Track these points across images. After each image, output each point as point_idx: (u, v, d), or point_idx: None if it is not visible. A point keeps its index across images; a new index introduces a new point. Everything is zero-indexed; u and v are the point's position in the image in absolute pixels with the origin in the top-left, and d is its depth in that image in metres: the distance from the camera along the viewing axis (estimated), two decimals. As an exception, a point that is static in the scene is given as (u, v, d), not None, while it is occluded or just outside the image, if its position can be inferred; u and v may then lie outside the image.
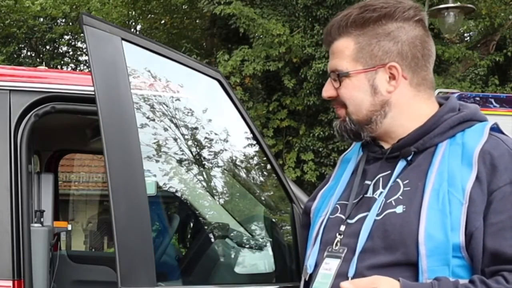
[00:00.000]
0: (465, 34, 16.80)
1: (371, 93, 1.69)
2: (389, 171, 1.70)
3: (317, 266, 1.73)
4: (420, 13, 1.72)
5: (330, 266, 1.68)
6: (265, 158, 2.70)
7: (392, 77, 1.69)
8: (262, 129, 11.98)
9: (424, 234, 1.55)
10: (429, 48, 1.73)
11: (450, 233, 1.55)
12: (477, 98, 7.84)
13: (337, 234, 1.70)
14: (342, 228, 1.70)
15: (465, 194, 1.56)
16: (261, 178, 3.11)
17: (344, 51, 1.71)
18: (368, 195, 1.71)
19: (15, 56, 20.09)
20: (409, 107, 1.70)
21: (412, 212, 1.59)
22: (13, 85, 2.49)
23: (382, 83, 1.69)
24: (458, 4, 9.75)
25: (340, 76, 1.70)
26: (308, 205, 1.93)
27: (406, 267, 1.58)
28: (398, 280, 1.54)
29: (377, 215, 1.64)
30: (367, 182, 1.74)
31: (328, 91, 1.75)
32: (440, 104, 1.75)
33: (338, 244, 1.69)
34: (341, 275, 1.64)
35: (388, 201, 1.64)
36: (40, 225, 3.30)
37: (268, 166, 2.74)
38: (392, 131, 1.72)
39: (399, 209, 1.61)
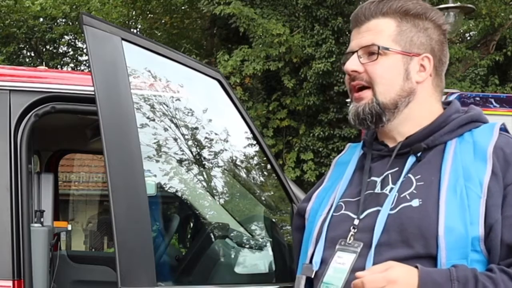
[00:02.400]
0: (465, 34, 16.81)
1: (404, 77, 1.72)
2: (397, 168, 1.71)
3: (324, 263, 1.72)
4: (447, 24, 1.80)
5: (344, 260, 1.67)
6: (265, 158, 2.70)
7: (422, 68, 1.73)
8: (262, 129, 11.98)
9: (444, 227, 1.56)
10: (448, 57, 1.82)
11: (470, 226, 1.56)
12: (477, 98, 7.85)
13: (351, 228, 1.70)
14: (356, 222, 1.70)
15: (483, 187, 1.58)
16: (261, 178, 3.11)
17: (385, 30, 1.73)
18: (376, 191, 1.72)
19: (15, 56, 20.09)
20: (426, 103, 1.74)
21: (430, 206, 1.60)
22: (13, 85, 2.50)
23: (413, 71, 1.72)
24: (458, 4, 9.75)
25: (380, 50, 1.71)
26: (302, 207, 1.91)
27: (425, 260, 1.58)
28: (416, 267, 1.54)
29: (391, 209, 1.64)
30: (374, 178, 1.74)
31: (354, 65, 1.73)
32: (444, 109, 1.80)
33: (352, 238, 1.69)
34: (357, 269, 1.62)
35: (401, 196, 1.65)
36: (40, 225, 3.30)
37: (268, 166, 2.74)
38: (403, 124, 1.74)
39: (415, 202, 1.62)
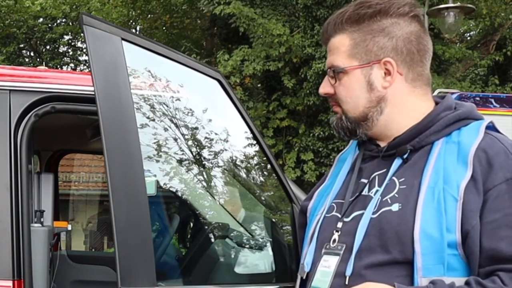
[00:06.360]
0: (465, 34, 16.81)
1: (367, 90, 1.70)
2: (384, 169, 1.69)
3: (314, 264, 1.73)
4: (416, 9, 1.72)
5: (329, 263, 1.68)
6: (265, 158, 2.70)
7: (388, 72, 1.69)
8: (262, 129, 11.98)
9: (420, 232, 1.55)
10: (425, 43, 1.73)
11: (446, 231, 1.54)
12: (477, 98, 7.84)
13: (334, 231, 1.70)
14: (339, 225, 1.70)
15: (460, 191, 1.56)
16: (261, 178, 3.11)
17: (340, 48, 1.71)
18: (364, 193, 1.71)
19: (15, 56, 20.08)
20: (404, 103, 1.71)
21: (408, 210, 1.59)
22: (13, 85, 2.49)
23: (377, 79, 1.69)
24: (458, 4, 9.75)
25: (337, 72, 1.71)
26: (305, 205, 1.93)
27: (402, 265, 1.57)
28: (393, 285, 1.54)
29: (373, 213, 1.64)
30: (363, 180, 1.74)
31: (324, 87, 1.77)
32: (437, 103, 1.75)
33: (336, 241, 1.69)
34: (339, 274, 1.64)
35: (384, 199, 1.64)
36: (40, 225, 3.30)
37: (268, 166, 2.74)
38: (388, 128, 1.72)
39: (395, 207, 1.61)
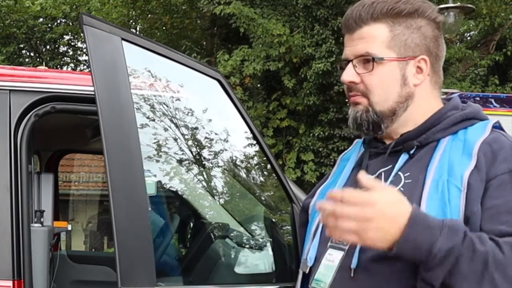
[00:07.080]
0: (465, 34, 16.81)
1: (401, 84, 1.69)
2: (390, 165, 1.71)
3: (317, 259, 1.74)
4: (441, 16, 1.76)
5: (333, 257, 1.69)
6: (265, 158, 2.70)
7: (419, 70, 1.70)
8: (262, 129, 11.98)
9: None
10: (444, 51, 1.77)
11: None
12: (477, 98, 7.85)
13: None
14: None
15: (463, 181, 1.57)
16: (261, 178, 3.11)
17: (377, 37, 1.69)
18: None
19: (15, 56, 20.08)
20: (425, 103, 1.72)
21: (413, 203, 1.60)
22: (13, 85, 2.50)
23: (410, 75, 1.70)
24: (458, 4, 9.75)
25: (375, 61, 1.68)
26: (306, 203, 1.93)
27: None
28: (412, 206, 1.50)
29: None
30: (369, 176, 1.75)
31: (350, 75, 1.71)
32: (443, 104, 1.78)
33: None
34: (344, 267, 1.65)
35: None
36: (40, 225, 3.30)
37: (268, 166, 2.74)
38: (403, 125, 1.73)
39: None
